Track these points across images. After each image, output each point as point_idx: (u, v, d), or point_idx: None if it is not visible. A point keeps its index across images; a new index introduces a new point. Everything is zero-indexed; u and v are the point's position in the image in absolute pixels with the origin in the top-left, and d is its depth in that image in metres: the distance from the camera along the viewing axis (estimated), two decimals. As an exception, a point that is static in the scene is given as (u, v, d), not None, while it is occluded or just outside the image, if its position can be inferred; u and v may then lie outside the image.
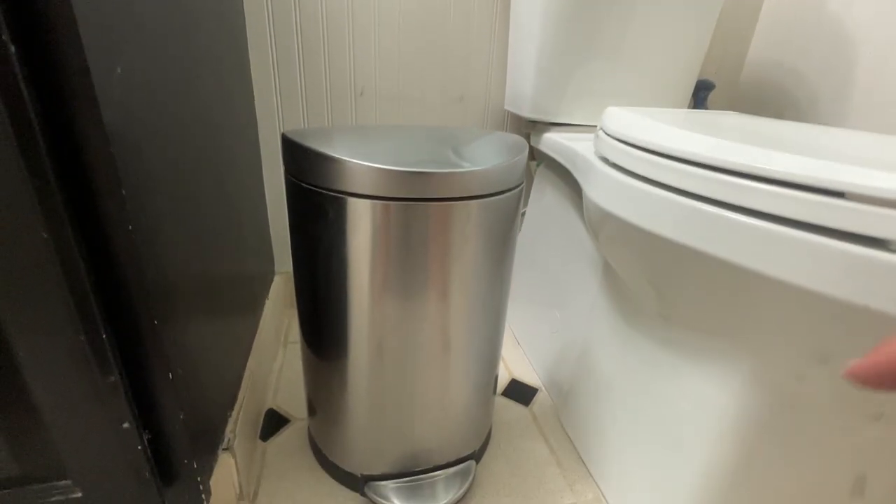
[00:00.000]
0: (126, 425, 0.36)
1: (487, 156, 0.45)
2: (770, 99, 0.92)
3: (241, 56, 0.70)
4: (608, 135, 0.52)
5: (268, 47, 0.76)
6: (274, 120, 0.80)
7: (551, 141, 0.73)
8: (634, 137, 0.46)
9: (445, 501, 0.54)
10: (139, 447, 0.37)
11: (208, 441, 0.47)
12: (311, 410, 0.62)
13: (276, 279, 0.89)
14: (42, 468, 0.37)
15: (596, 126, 0.77)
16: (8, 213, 0.27)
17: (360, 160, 0.40)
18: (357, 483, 0.57)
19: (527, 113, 0.76)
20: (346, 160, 0.40)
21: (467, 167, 0.41)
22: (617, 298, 0.59)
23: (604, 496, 0.59)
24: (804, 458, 0.43)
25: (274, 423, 0.67)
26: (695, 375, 0.46)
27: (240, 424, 0.56)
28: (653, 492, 0.52)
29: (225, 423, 0.53)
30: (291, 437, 0.65)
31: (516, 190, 0.47)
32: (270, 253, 0.88)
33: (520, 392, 0.77)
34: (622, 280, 0.57)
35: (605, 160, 0.52)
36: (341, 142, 0.46)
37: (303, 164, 0.44)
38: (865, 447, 0.43)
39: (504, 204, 0.46)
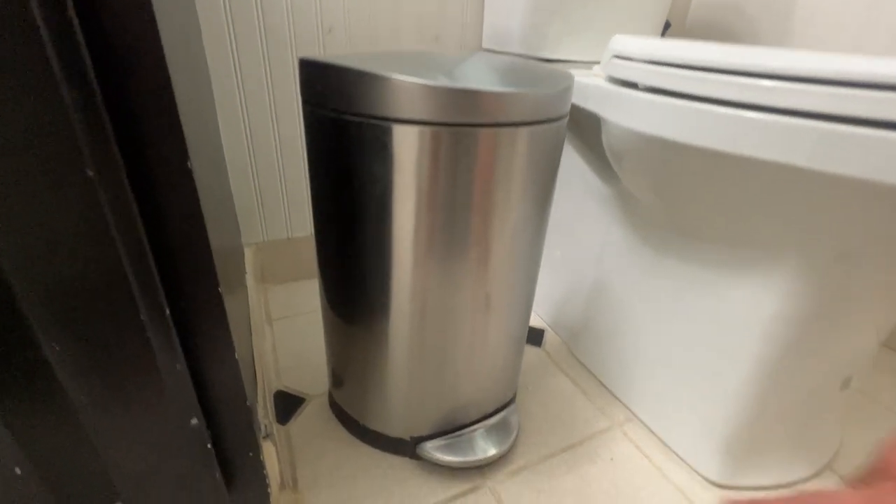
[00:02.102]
0: (195, 421, 0.29)
1: (534, 80, 0.42)
2: (716, 36, 0.98)
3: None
4: (635, 59, 0.51)
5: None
6: (229, 62, 0.68)
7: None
8: (678, 57, 0.45)
9: (499, 450, 0.53)
10: (208, 445, 0.31)
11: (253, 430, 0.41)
12: (338, 382, 0.56)
13: (245, 252, 0.79)
14: (83, 491, 0.29)
15: (585, 62, 0.77)
16: (45, 140, 0.19)
17: (410, 77, 0.34)
18: (405, 447, 0.54)
19: (516, 49, 0.73)
20: (394, 78, 0.34)
21: (520, 89, 0.38)
22: (636, 230, 0.61)
23: (635, 415, 0.63)
24: (823, 352, 0.49)
25: (288, 404, 0.61)
26: (735, 287, 0.49)
27: (261, 409, 0.49)
28: (692, 403, 0.55)
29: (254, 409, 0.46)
30: (312, 416, 0.59)
31: (565, 119, 0.45)
32: (237, 223, 0.77)
33: (530, 335, 0.77)
34: (643, 209, 0.59)
35: (632, 84, 0.52)
36: (375, 63, 0.39)
37: (334, 89, 0.37)
38: (856, 352, 0.50)
39: (554, 133, 0.43)
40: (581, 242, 0.71)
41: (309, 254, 0.86)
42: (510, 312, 0.50)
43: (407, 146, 0.37)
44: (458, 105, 0.35)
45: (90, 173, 0.20)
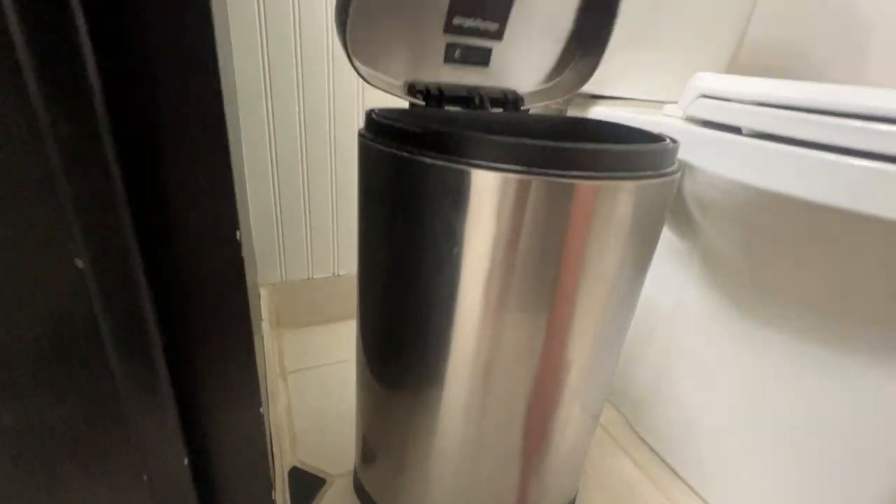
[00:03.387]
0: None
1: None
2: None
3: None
4: (736, 100, 0.44)
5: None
6: (260, 90, 0.62)
7: (607, 116, 0.64)
8: (801, 99, 0.38)
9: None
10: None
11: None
12: (368, 459, 0.47)
13: (262, 291, 0.70)
14: None
15: (646, 100, 0.70)
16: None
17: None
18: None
19: (574, 84, 0.67)
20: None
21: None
22: (719, 289, 0.52)
23: (717, 513, 0.53)
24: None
25: (305, 486, 0.51)
26: (868, 373, 0.41)
27: (278, 491, 0.40)
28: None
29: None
30: (334, 502, 0.49)
31: (677, 175, 0.36)
32: (254, 260, 0.69)
33: (579, 402, 0.68)
34: (729, 266, 0.51)
35: (733, 128, 0.45)
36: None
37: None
38: None
39: (662, 189, 0.34)
40: (647, 301, 0.63)
41: (330, 296, 0.77)
42: (590, 392, 0.41)
43: (485, 192, 0.29)
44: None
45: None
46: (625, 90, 0.69)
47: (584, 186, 0.28)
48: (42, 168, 0.14)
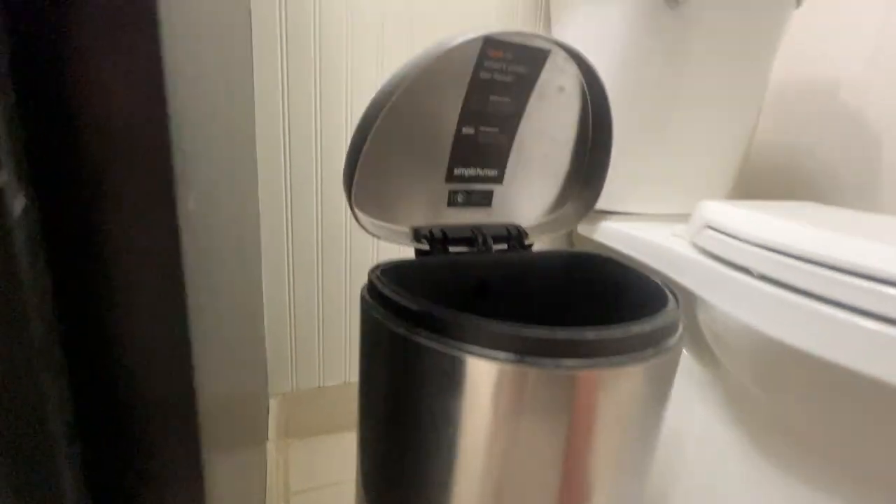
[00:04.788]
0: None
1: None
2: (784, 183, 0.93)
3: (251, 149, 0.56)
4: (743, 239, 0.44)
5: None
6: (281, 200, 0.66)
7: (616, 232, 0.65)
8: (811, 252, 0.38)
9: None
10: None
11: None
12: None
13: (272, 403, 0.70)
14: None
15: (653, 214, 0.71)
16: None
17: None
18: None
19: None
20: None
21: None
22: (747, 429, 0.49)
23: None
24: None
25: None
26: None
27: None
28: None
29: None
30: None
31: (681, 345, 0.34)
32: (265, 369, 0.70)
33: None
34: (756, 406, 0.48)
35: (740, 267, 0.44)
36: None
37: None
38: None
39: (667, 364, 0.33)
40: (669, 433, 0.59)
41: (340, 404, 0.76)
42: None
43: (483, 383, 0.28)
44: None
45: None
46: (633, 205, 0.70)
47: (584, 376, 0.27)
48: None
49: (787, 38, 0.93)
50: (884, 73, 0.78)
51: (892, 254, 0.34)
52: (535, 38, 0.37)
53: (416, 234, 0.44)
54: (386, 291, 0.32)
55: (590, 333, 0.27)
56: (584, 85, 0.44)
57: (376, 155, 0.39)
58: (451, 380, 0.28)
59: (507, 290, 0.46)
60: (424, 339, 0.28)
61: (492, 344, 0.27)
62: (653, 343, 0.30)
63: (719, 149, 0.70)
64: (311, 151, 0.66)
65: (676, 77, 0.62)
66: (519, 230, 0.48)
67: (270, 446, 0.64)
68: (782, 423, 0.45)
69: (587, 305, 0.46)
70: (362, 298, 0.34)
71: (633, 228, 0.64)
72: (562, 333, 0.27)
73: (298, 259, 0.68)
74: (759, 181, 1.00)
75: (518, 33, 0.37)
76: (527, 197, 0.49)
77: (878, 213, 0.78)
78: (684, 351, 0.57)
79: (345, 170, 0.38)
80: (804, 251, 0.38)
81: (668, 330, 0.31)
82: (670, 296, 0.35)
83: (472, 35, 0.33)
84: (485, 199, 0.47)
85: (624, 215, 0.70)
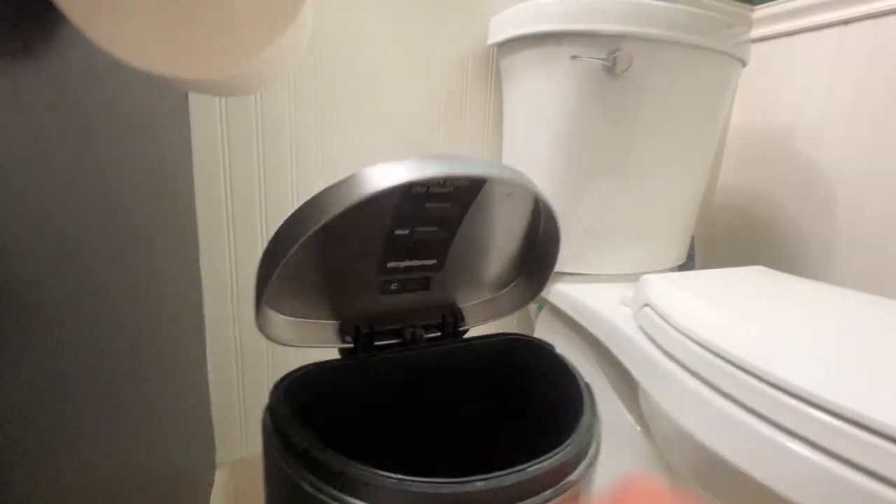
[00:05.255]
0: None
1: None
2: (747, 227, 0.93)
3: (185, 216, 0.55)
4: (674, 327, 0.43)
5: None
6: (224, 260, 0.64)
7: (566, 296, 0.64)
8: (727, 352, 0.37)
9: None
10: None
11: None
12: None
13: (218, 474, 0.68)
14: None
15: (608, 274, 0.70)
16: None
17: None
18: None
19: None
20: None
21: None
22: None
23: None
24: None
25: None
26: None
27: None
28: None
29: None
30: None
31: (594, 463, 0.33)
32: (211, 436, 0.68)
33: None
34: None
35: (672, 356, 0.43)
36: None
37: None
38: None
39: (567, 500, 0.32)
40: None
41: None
42: None
43: None
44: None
45: None
46: (587, 266, 0.69)
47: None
48: None
49: (748, 85, 0.94)
50: (833, 124, 0.79)
51: (825, 375, 0.33)
52: (465, 170, 0.33)
53: (343, 328, 0.43)
54: (281, 423, 0.30)
55: (478, 483, 0.26)
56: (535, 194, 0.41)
57: (294, 261, 0.38)
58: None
59: (436, 384, 0.44)
60: (309, 487, 0.27)
61: (375, 499, 0.26)
62: (554, 482, 0.28)
63: (672, 207, 0.69)
64: (255, 210, 0.65)
65: (627, 140, 0.62)
66: (455, 316, 0.47)
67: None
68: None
69: (515, 400, 0.45)
70: (263, 420, 0.33)
71: (582, 293, 0.63)
72: (446, 488, 0.25)
73: (245, 327, 0.67)
74: (722, 223, 1.00)
75: (445, 175, 0.32)
76: (467, 281, 0.48)
77: (834, 271, 0.78)
78: (615, 398, 0.56)
79: (258, 279, 0.36)
80: (732, 356, 0.37)
81: (572, 464, 0.30)
82: (587, 409, 0.34)
83: (393, 182, 0.30)
84: (422, 286, 0.46)
85: (578, 276, 0.69)
